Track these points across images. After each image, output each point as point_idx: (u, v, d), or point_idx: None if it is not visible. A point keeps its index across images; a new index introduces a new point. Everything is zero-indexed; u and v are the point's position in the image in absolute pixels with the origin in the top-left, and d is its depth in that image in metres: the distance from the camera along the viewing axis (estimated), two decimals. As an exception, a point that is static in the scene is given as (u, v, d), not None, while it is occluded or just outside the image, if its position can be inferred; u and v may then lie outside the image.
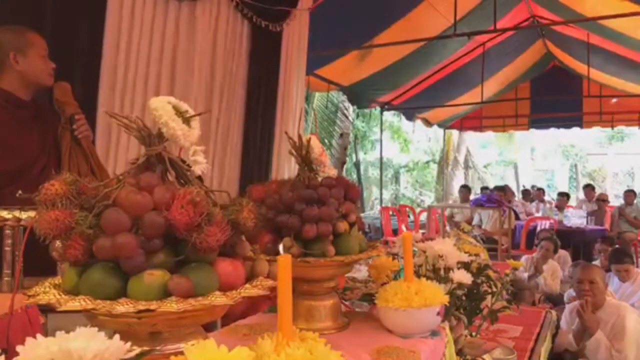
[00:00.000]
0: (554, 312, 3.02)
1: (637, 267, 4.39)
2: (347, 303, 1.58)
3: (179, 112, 0.85)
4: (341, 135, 10.55)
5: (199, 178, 0.86)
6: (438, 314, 1.17)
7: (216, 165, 3.29)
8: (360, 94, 7.13)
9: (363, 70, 6.15)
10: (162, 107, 0.83)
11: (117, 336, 0.62)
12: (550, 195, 11.65)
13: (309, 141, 1.27)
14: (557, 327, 3.04)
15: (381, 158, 9.83)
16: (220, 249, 0.77)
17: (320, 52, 4.78)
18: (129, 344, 0.62)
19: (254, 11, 3.35)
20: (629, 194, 8.34)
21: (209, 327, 1.10)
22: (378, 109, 8.53)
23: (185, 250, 0.75)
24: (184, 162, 0.86)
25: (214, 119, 3.24)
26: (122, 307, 0.68)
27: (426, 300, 1.12)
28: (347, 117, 10.79)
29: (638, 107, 9.36)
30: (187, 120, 0.86)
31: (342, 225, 1.18)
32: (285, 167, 3.72)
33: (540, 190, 10.08)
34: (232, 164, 3.39)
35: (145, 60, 2.80)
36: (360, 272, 1.80)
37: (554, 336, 2.92)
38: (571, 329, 3.03)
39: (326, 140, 10.04)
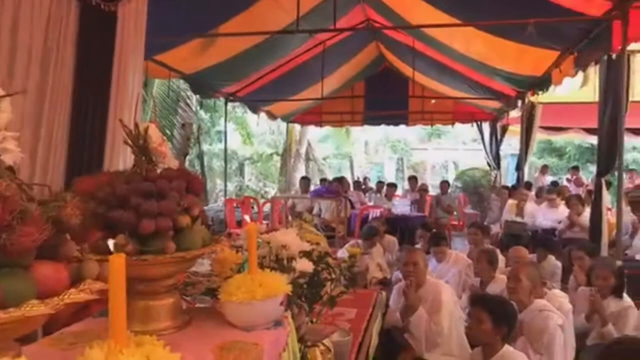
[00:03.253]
0: (384, 293, 3.30)
1: (450, 248, 5.04)
2: (188, 299, 1.53)
3: (-18, 92, 0.72)
4: (183, 125, 10.15)
5: (10, 169, 0.74)
6: (281, 303, 1.19)
7: (38, 156, 2.90)
8: (204, 84, 6.93)
9: (206, 59, 5.98)
10: (-41, 84, 0.69)
11: None
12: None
13: (146, 130, 1.18)
14: (387, 306, 3.34)
15: (225, 150, 9.72)
16: (38, 251, 0.68)
17: (161, 37, 4.51)
18: None
19: (83, -14, 3.02)
20: (444, 184, 9.54)
21: (28, 338, 0.96)
22: (222, 100, 8.40)
23: (-8, 254, 0.64)
24: (-10, 150, 0.73)
25: (36, 104, 2.85)
26: None
27: (270, 292, 1.13)
28: (189, 106, 10.42)
29: (452, 108, 10.73)
30: (-6, 102, 0.73)
31: (184, 220, 1.13)
32: (120, 159, 3.43)
33: (381, 183, 10.93)
34: (58, 154, 3.02)
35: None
36: (203, 265, 1.74)
37: (384, 315, 3.20)
38: (398, 307, 3.35)
39: (167, 130, 9.57)
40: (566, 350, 3.05)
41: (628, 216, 5.18)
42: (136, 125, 1.18)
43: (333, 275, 1.71)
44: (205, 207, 9.12)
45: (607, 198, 4.86)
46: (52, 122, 2.96)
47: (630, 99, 4.24)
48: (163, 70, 5.79)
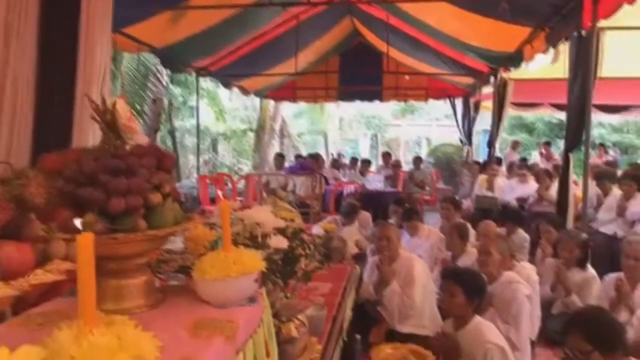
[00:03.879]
0: (358, 268, 3.35)
1: (423, 223, 5.12)
2: (161, 277, 1.51)
3: None
4: (154, 100, 9.93)
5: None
6: (255, 280, 1.19)
7: (2, 134, 2.79)
8: (174, 58, 6.76)
9: (177, 32, 5.82)
10: None
11: None
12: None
13: (114, 105, 1.14)
14: (361, 280, 3.39)
15: (198, 125, 9.55)
16: (1, 231, 0.65)
17: (130, 9, 4.35)
18: None
19: (44, -48, 2.87)
20: (417, 160, 9.64)
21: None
22: (194, 74, 8.22)
23: (-49, 234, 0.62)
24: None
25: (-5, 77, 2.72)
26: None
27: (244, 269, 1.12)
28: (160, 81, 10.17)
29: (425, 84, 10.77)
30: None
31: (155, 197, 1.10)
32: (90, 136, 3.34)
33: (355, 160, 10.98)
34: (22, 132, 2.91)
35: None
36: (176, 243, 1.72)
37: (358, 289, 3.25)
38: (371, 281, 3.40)
39: (137, 106, 9.34)
40: (532, 319, 3.16)
41: (593, 190, 5.34)
42: (103, 100, 1.14)
43: (307, 251, 1.71)
44: (178, 184, 9.01)
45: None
46: (15, 98, 2.85)
47: (598, 75, 4.33)
48: (132, 44, 5.61)
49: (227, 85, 9.14)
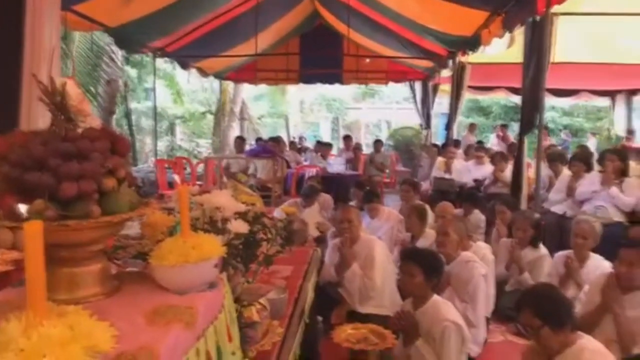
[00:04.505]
0: (319, 250, 3.37)
1: (383, 205, 5.19)
2: (119, 263, 1.47)
3: None
4: (108, 82, 9.58)
5: None
6: (216, 266, 1.17)
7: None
8: (129, 38, 6.51)
9: (132, 11, 5.59)
10: None
11: None
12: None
13: (64, 86, 1.09)
14: (322, 262, 3.41)
15: (155, 108, 9.29)
16: (-60, 220, 0.61)
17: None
18: None
19: None
20: (377, 143, 9.73)
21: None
22: (150, 55, 7.96)
23: None
24: None
25: None
26: None
27: (203, 254, 1.11)
28: (115, 62, 9.81)
29: (386, 68, 10.82)
30: None
31: (109, 182, 1.07)
32: (40, 119, 3.19)
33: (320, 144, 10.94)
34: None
35: None
36: (133, 228, 1.68)
37: (319, 271, 3.27)
38: (333, 263, 3.43)
39: (91, 88, 8.99)
40: (488, 297, 3.28)
41: (545, 171, 5.54)
42: (52, 81, 1.08)
43: (269, 235, 1.70)
44: (135, 168, 8.78)
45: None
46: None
47: (551, 60, 4.46)
48: (84, 22, 5.37)
49: (185, 66, 8.90)
